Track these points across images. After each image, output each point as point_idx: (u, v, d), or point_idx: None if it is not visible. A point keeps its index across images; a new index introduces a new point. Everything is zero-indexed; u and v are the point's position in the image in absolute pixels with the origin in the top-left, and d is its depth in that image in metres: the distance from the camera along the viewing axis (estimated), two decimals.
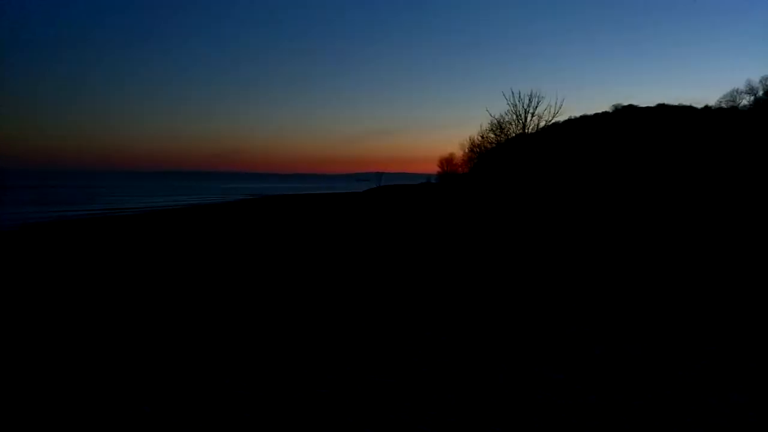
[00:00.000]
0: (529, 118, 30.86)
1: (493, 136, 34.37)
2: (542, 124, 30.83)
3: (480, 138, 38.06)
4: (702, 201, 13.53)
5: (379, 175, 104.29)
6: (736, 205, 12.21)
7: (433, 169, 51.44)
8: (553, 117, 30.60)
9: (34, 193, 58.17)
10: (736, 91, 24.67)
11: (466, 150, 42.09)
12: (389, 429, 3.69)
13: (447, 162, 46.15)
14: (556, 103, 45.65)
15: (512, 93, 36.74)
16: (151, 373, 4.76)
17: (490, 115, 48.72)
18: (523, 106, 31.04)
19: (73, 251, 13.34)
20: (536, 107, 30.99)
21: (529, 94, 32.66)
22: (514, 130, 31.50)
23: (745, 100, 22.77)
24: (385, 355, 5.19)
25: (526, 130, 30.47)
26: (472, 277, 9.29)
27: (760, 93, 22.09)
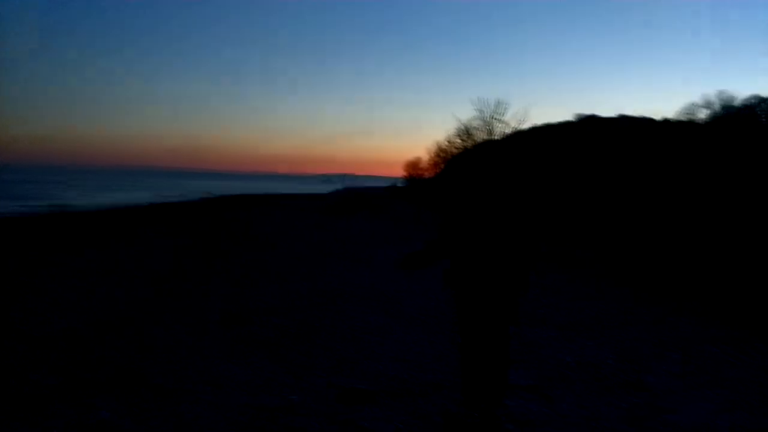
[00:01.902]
0: (496, 125, 31.19)
1: (460, 141, 34.60)
2: (508, 130, 31.19)
3: (447, 143, 38.27)
4: (661, 209, 13.91)
5: (343, 178, 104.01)
6: (696, 212, 12.59)
7: (401, 172, 51.47)
8: (520, 124, 31.01)
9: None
10: (694, 105, 25.47)
11: (433, 155, 42.29)
12: None
13: (413, 166, 46.26)
14: (522, 111, 46.25)
15: (479, 100, 37.10)
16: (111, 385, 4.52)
17: (458, 120, 49.11)
18: (490, 113, 31.35)
19: None
20: (503, 114, 31.33)
21: (496, 101, 33.02)
22: (481, 135, 31.77)
23: (702, 114, 23.53)
24: None
25: (493, 136, 30.76)
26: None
27: (717, 107, 22.85)
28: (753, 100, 22.04)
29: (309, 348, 5.46)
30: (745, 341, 5.98)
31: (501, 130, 31.12)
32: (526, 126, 37.00)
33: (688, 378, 4.86)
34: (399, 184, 50.61)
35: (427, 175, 43.42)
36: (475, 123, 32.43)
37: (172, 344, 5.60)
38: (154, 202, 43.18)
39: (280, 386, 4.35)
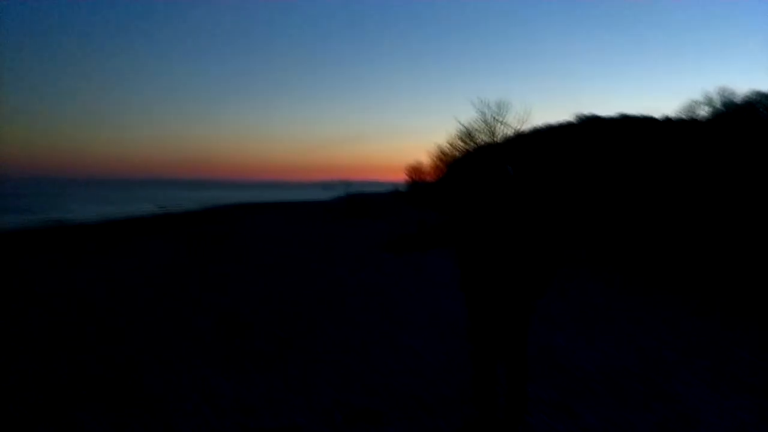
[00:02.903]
0: (497, 127, 30.99)
1: (461, 144, 34.39)
2: (510, 132, 31.00)
3: (449, 146, 38.05)
4: (663, 208, 13.60)
5: (345, 184, 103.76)
6: (698, 210, 12.30)
7: (402, 177, 51.19)
8: (522, 125, 30.81)
9: None
10: (695, 102, 25.18)
11: (434, 158, 42.04)
12: None
13: (415, 170, 46.02)
14: (523, 112, 46.07)
15: (480, 101, 36.96)
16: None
17: (459, 123, 48.94)
18: (491, 114, 31.17)
19: None
20: (504, 115, 31.14)
21: (498, 102, 32.90)
22: (482, 138, 31.56)
23: (704, 111, 23.25)
24: None
25: (495, 139, 30.54)
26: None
27: (718, 104, 22.58)
28: (754, 96, 21.81)
29: (311, 360, 5.13)
30: None
31: (503, 131, 30.92)
32: (527, 127, 36.82)
33: (719, 386, 4.53)
34: (401, 189, 50.37)
35: (429, 178, 43.18)
36: (477, 125, 32.25)
37: (165, 355, 5.29)
38: (156, 213, 42.92)
39: (280, 404, 4.02)
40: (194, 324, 6.57)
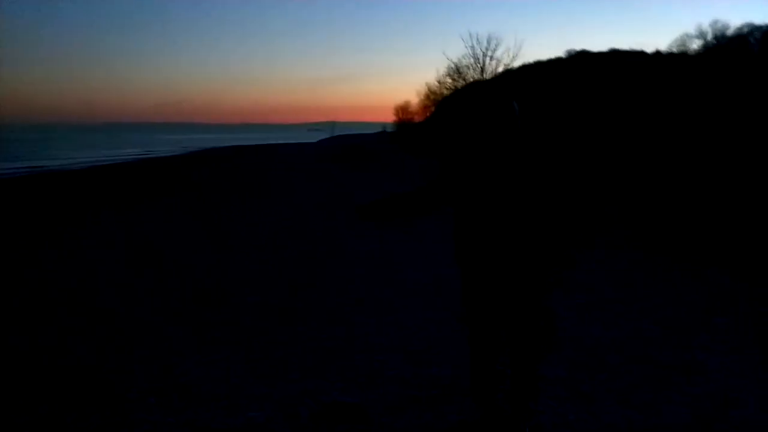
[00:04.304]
0: (487, 62, 29.78)
1: (450, 81, 33.10)
2: (500, 68, 29.84)
3: (437, 84, 36.66)
4: (656, 146, 12.93)
5: (332, 125, 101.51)
6: (687, 151, 11.65)
7: (389, 117, 49.68)
8: (512, 60, 29.61)
9: None
10: (686, 36, 24.12)
11: (423, 97, 40.64)
12: None
13: (403, 110, 44.60)
14: (514, 47, 44.50)
15: (470, 35, 35.49)
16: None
17: (448, 59, 47.21)
18: (481, 49, 29.89)
19: None
20: (494, 50, 29.88)
21: (488, 37, 31.48)
22: (472, 74, 30.35)
23: (695, 44, 22.33)
24: None
25: (484, 75, 29.39)
26: None
27: (710, 37, 21.70)
28: (745, 29, 21.06)
29: (289, 338, 4.50)
30: None
31: (493, 68, 29.73)
32: (516, 63, 35.41)
33: (744, 352, 4.00)
34: (388, 130, 49.06)
35: (417, 118, 41.95)
36: (466, 61, 30.94)
37: (138, 333, 4.71)
38: (144, 158, 41.61)
39: (247, 397, 3.42)
40: (175, 294, 5.94)
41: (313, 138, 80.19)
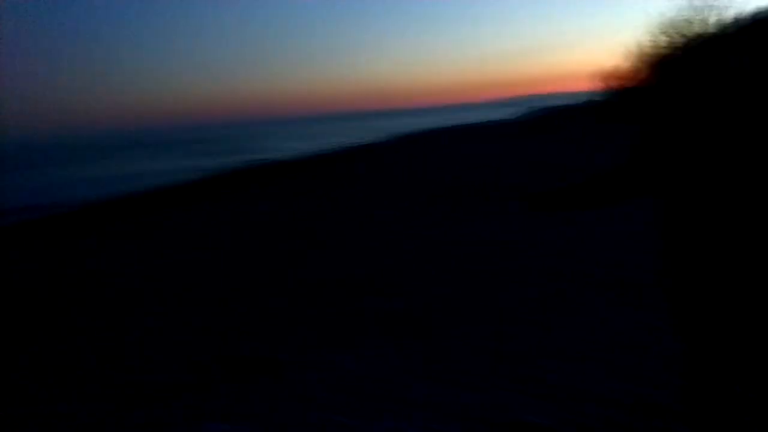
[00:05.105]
0: (710, 14, 25.31)
1: (666, 39, 28.93)
2: (727, 20, 25.15)
3: (651, 43, 32.44)
4: None
5: (528, 99, 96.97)
6: None
7: (586, 86, 45.50)
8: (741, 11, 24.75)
9: (198, 146, 63.00)
10: None
11: (635, 60, 36.34)
12: None
13: (612, 76, 40.52)
14: None
15: None
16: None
17: (656, 15, 41.56)
18: None
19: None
20: None
21: None
22: (693, 30, 26.10)
23: None
24: None
25: (709, 30, 25.04)
26: None
27: None
28: None
29: (459, 337, 3.99)
30: None
31: (718, 20, 25.19)
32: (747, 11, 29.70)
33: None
34: (596, 99, 45.02)
35: (630, 84, 37.74)
36: (681, 14, 26.69)
37: (266, 318, 4.81)
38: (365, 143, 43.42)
39: (410, 403, 3.07)
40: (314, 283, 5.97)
41: (508, 114, 77.53)
